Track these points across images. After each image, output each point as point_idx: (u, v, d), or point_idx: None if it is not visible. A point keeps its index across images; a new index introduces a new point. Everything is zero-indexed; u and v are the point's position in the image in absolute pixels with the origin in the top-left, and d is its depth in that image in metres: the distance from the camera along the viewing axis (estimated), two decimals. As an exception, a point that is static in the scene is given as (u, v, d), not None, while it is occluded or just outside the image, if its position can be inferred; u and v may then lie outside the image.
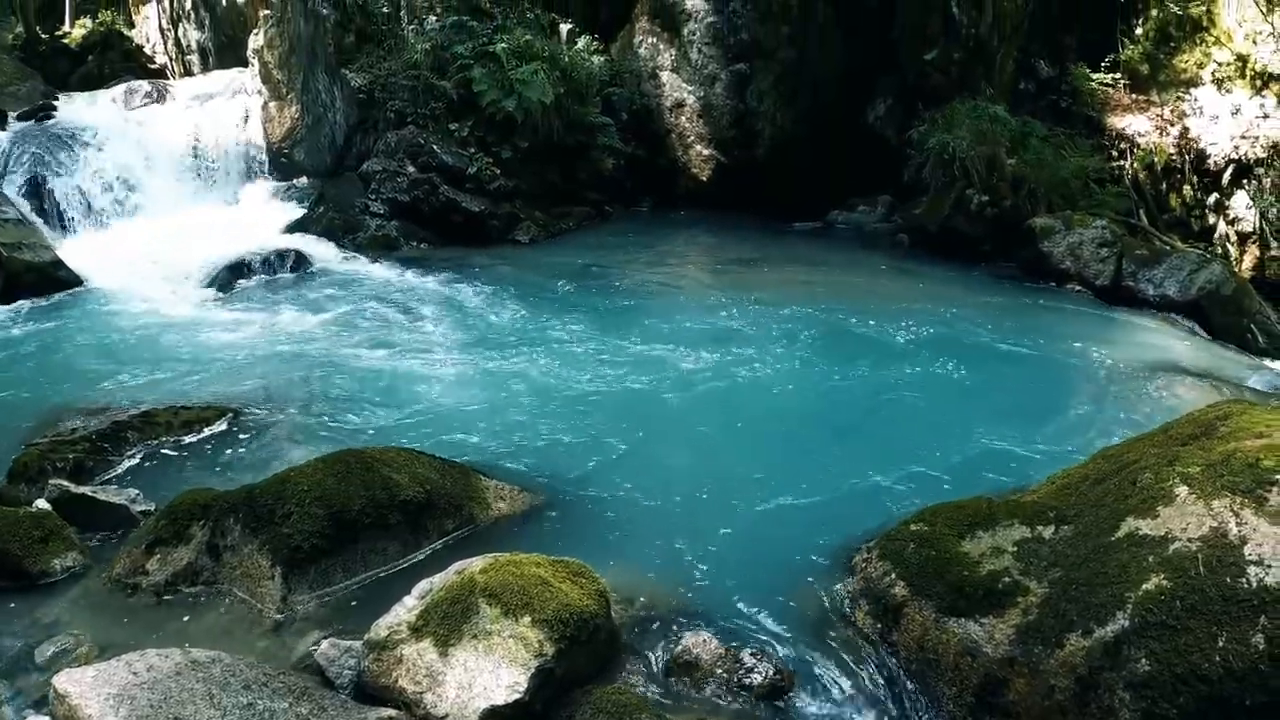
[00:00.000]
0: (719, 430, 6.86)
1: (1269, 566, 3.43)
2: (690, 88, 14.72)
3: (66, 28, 23.43)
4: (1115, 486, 4.19)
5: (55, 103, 14.56)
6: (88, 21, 23.56)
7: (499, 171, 13.09)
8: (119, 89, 15.69)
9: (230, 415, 6.72)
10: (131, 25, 24.11)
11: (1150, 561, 3.68)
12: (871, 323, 9.43)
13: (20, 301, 9.97)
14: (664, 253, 12.68)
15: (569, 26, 14.90)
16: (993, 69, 14.72)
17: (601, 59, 14.87)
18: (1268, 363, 10.23)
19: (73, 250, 11.37)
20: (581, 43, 14.79)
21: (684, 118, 14.84)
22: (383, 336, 8.83)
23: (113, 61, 21.54)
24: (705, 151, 14.81)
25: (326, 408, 7.04)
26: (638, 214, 14.89)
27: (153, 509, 5.21)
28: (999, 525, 4.35)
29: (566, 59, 14.11)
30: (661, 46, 14.94)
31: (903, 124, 14.53)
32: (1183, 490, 3.88)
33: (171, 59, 22.87)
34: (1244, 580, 3.43)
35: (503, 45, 13.57)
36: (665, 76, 14.91)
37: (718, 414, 7.13)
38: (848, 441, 6.79)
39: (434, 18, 14.42)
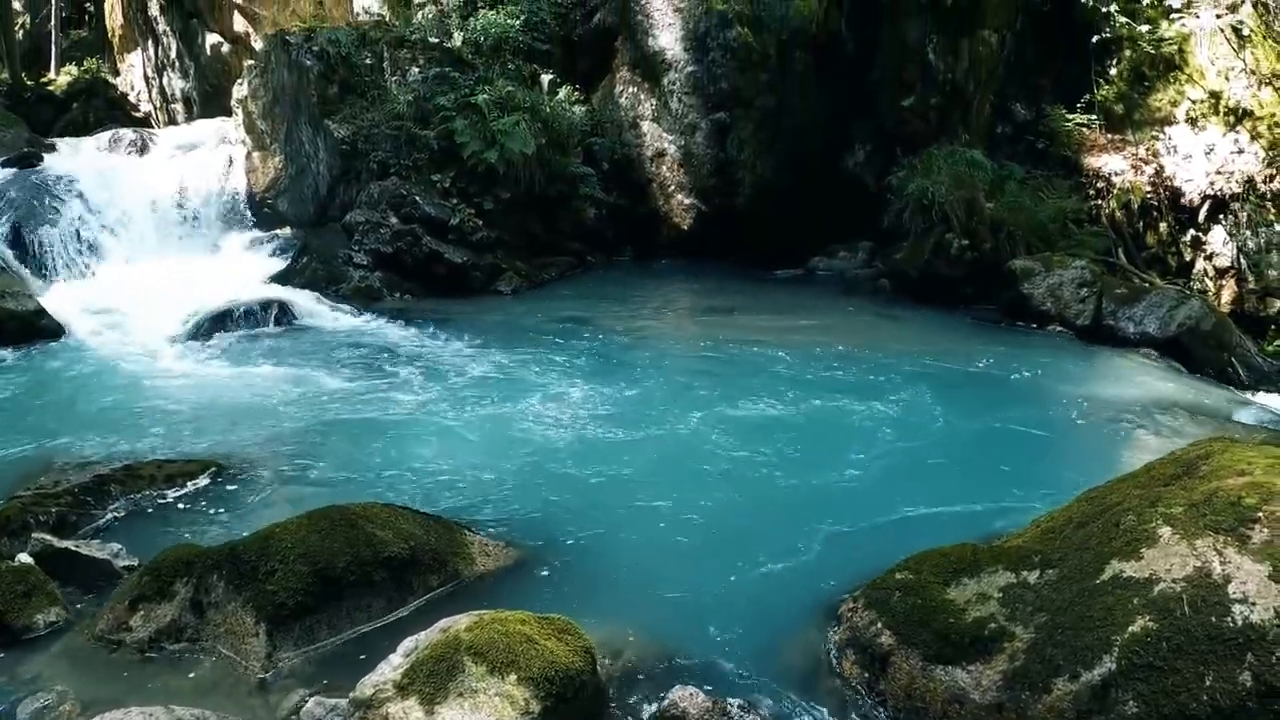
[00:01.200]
0: (702, 482, 6.83)
1: (1253, 604, 3.45)
2: (671, 137, 14.82)
3: (52, 74, 23.57)
4: (1099, 529, 4.21)
5: (40, 151, 14.58)
6: (73, 69, 23.71)
7: (481, 222, 13.15)
8: (103, 137, 15.80)
9: (214, 469, 6.69)
10: (116, 73, 24.27)
11: (1135, 604, 3.69)
12: (854, 370, 9.44)
13: (2, 351, 9.99)
14: (646, 303, 12.70)
15: (550, 77, 15.01)
16: (970, 113, 14.89)
17: (582, 109, 15.00)
18: (1249, 396, 10.33)
19: (55, 299, 11.40)
20: (562, 93, 14.92)
21: (665, 167, 14.93)
22: (366, 390, 8.80)
23: (97, 109, 21.71)
24: (686, 200, 14.88)
25: (310, 462, 7.01)
26: (619, 263, 14.92)
27: (136, 564, 5.17)
28: (984, 571, 4.36)
29: (548, 109, 14.23)
30: (642, 96, 15.05)
31: (882, 170, 14.65)
32: (1166, 531, 3.90)
33: (156, 107, 23.02)
34: (1229, 619, 3.45)
35: (484, 96, 13.68)
36: (646, 126, 15.02)
37: (701, 466, 7.11)
38: (831, 490, 6.76)
39: (416, 69, 14.51)
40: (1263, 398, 10.40)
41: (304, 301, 11.81)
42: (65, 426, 7.71)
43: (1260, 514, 3.74)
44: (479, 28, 14.93)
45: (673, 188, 14.91)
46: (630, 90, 15.13)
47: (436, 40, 15.05)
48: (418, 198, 13.16)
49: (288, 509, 5.87)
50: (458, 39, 14.98)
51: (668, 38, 14.61)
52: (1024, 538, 4.63)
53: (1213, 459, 4.32)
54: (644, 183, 15.09)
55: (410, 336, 10.73)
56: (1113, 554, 3.99)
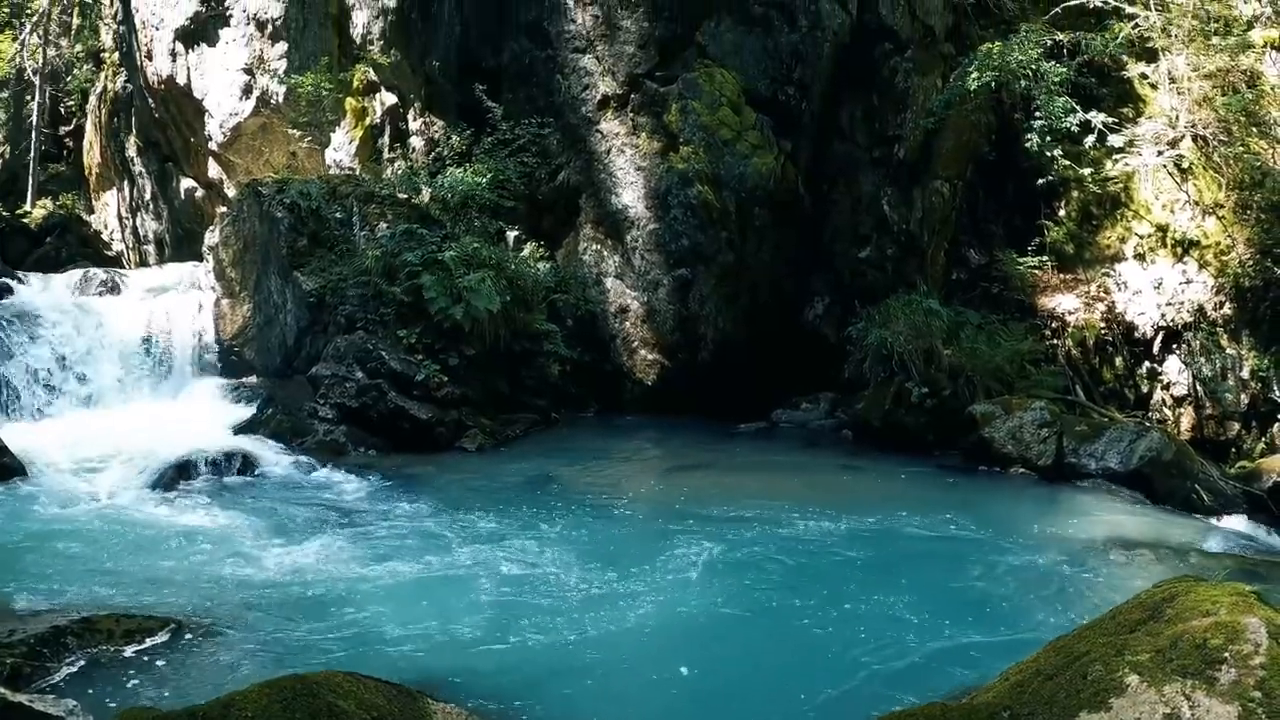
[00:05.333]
0: (665, 645, 6.77)
1: (1224, 750, 3.51)
2: (634, 293, 15.06)
3: (28, 207, 23.77)
4: (1067, 681, 4.22)
5: (11, 283, 14.59)
6: (49, 203, 23.97)
7: (446, 379, 13.16)
8: (74, 275, 15.91)
9: (173, 626, 6.56)
10: (91, 210, 24.62)
11: (1108, 753, 3.74)
12: (817, 525, 9.42)
13: (-42, 487, 9.78)
14: (611, 461, 12.66)
15: (515, 233, 15.24)
16: (925, 262, 15.35)
17: (547, 266, 15.21)
18: (1214, 521, 10.54)
19: (16, 436, 11.25)
20: (528, 250, 15.15)
21: (629, 323, 15.12)
22: (327, 548, 8.67)
23: (70, 245, 21.93)
24: (650, 356, 15.04)
25: (271, 622, 6.90)
26: (584, 419, 14.90)
27: (90, 723, 5.03)
28: (956, 728, 4.38)
29: (513, 266, 14.43)
30: (605, 253, 15.35)
31: (841, 321, 15.01)
32: (1133, 679, 3.95)
33: (128, 247, 23.29)
34: (1201, 766, 3.51)
35: (451, 253, 13.87)
36: (610, 282, 15.27)
37: (665, 630, 7.04)
38: (798, 649, 6.74)
39: (385, 224, 14.75)
40: (1229, 521, 10.61)
41: (268, 453, 11.74)
42: (22, 571, 7.58)
43: (1227, 654, 3.81)
44: (446, 185, 15.21)
45: (636, 343, 15.09)
46: (594, 247, 15.44)
47: (405, 196, 15.34)
48: (384, 353, 13.21)
49: (247, 671, 5.80)
50: (426, 195, 15.27)
51: (630, 195, 14.98)
52: (993, 693, 4.61)
53: (1178, 601, 4.38)
54: (608, 339, 15.24)
55: (374, 494, 10.62)
56: (1081, 706, 4.00)
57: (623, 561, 8.31)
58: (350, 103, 17.89)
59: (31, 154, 25.92)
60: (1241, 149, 13.76)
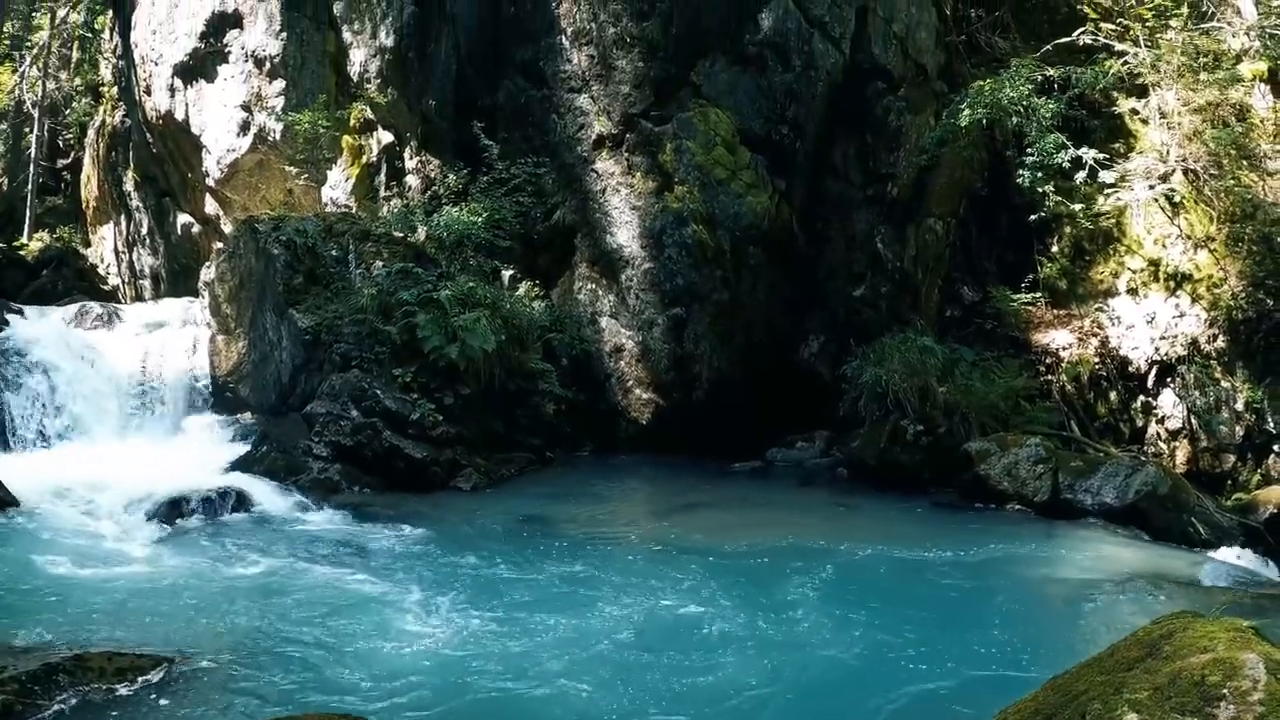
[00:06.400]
0: (663, 690, 6.70)
1: (1224, 787, 3.48)
2: (629, 332, 15.08)
3: (24, 239, 23.84)
4: None
5: (6, 315, 14.56)
6: (45, 235, 24.05)
7: (442, 417, 13.13)
8: (70, 309, 15.89)
9: (165, 665, 6.52)
10: (88, 244, 24.70)
11: (1107, 791, 3.71)
12: (814, 565, 9.36)
13: (-49, 519, 9.74)
14: (605, 501, 12.61)
15: (511, 273, 15.29)
16: (919, 300, 15.41)
17: (542, 305, 15.24)
18: (1211, 554, 10.56)
19: (9, 468, 11.22)
20: (523, 289, 15.20)
21: (623, 362, 15.13)
22: (321, 588, 8.62)
23: (67, 279, 21.98)
24: (645, 395, 15.04)
25: (263, 661, 6.85)
26: (579, 459, 14.84)
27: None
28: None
29: (508, 306, 14.48)
30: (600, 292, 15.39)
31: (836, 359, 15.06)
32: (1132, 718, 3.95)
33: (124, 281, 23.32)
34: (1201, 805, 3.48)
35: (447, 292, 13.90)
36: (605, 321, 15.30)
37: (664, 675, 6.95)
38: (791, 691, 6.70)
39: (380, 263, 14.77)
40: (1226, 554, 10.63)
41: (262, 491, 11.67)
42: (13, 606, 7.55)
43: (1225, 690, 3.79)
44: (442, 224, 15.28)
45: (631, 382, 15.09)
46: (589, 286, 15.49)
47: (401, 234, 15.39)
48: (379, 391, 13.20)
49: (239, 712, 5.78)
50: (422, 234, 15.31)
51: (625, 235, 15.06)
52: (992, 731, 4.64)
53: (1175, 637, 4.35)
54: (603, 378, 15.25)
55: (368, 533, 10.56)
56: (1081, 742, 4.02)
57: (618, 602, 8.27)
58: (347, 141, 17.98)
59: (29, 186, 26.11)
60: (1232, 182, 13.90)
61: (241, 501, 11.28)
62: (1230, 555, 10.63)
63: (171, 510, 10.76)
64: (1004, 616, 8.12)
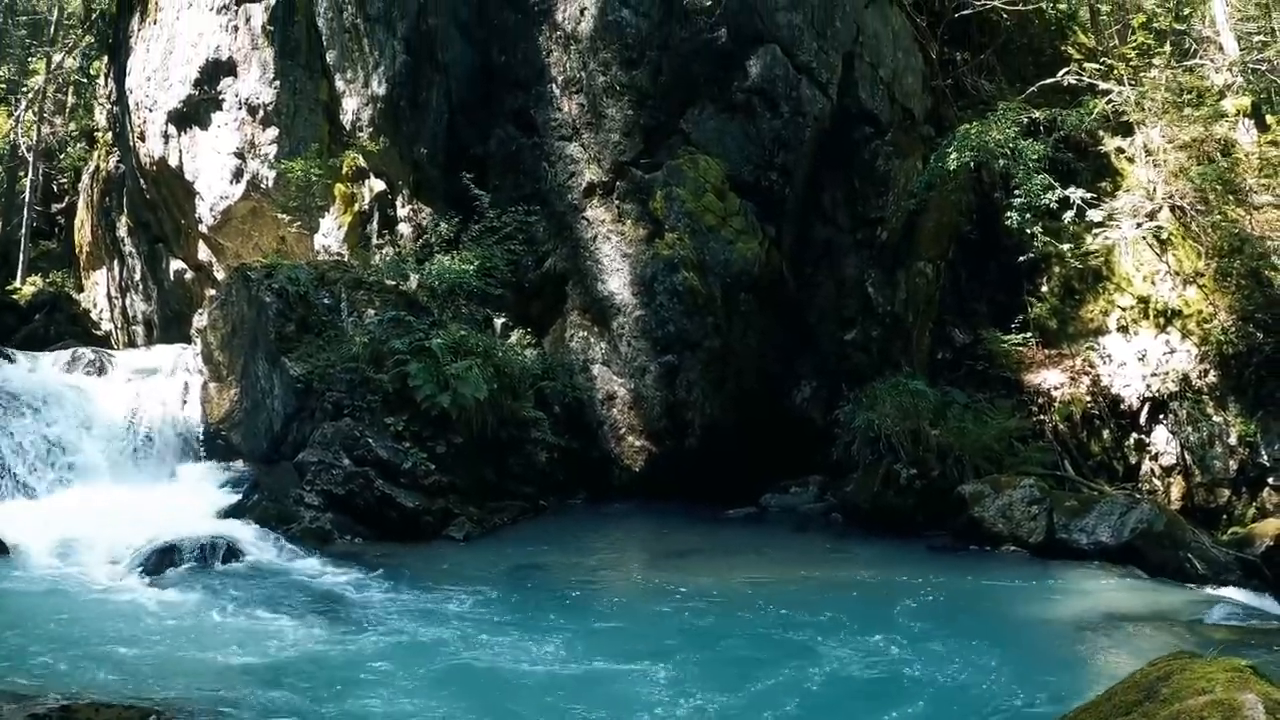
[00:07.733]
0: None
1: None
2: (621, 379, 15.04)
3: (18, 283, 23.87)
4: (1065, 761, 4.22)
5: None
6: (39, 280, 24.07)
7: (434, 466, 13.07)
8: (63, 354, 15.88)
9: (154, 717, 6.39)
10: (81, 289, 24.73)
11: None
12: (809, 612, 9.32)
13: (-58, 565, 9.66)
14: (599, 549, 12.53)
15: (503, 321, 15.28)
16: (910, 343, 15.46)
17: (534, 353, 15.23)
18: (1209, 590, 10.53)
19: (0, 515, 11.18)
20: (515, 337, 15.19)
21: (616, 409, 15.08)
22: (312, 639, 8.56)
23: (59, 323, 22.00)
24: (638, 442, 14.98)
25: (251, 714, 6.76)
26: (573, 507, 14.71)
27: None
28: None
29: (500, 354, 14.45)
30: (592, 339, 15.37)
31: (828, 404, 15.04)
32: (1132, 760, 3.93)
33: (117, 327, 23.31)
34: None
35: (439, 341, 13.89)
36: (597, 369, 15.27)
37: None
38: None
39: (373, 311, 14.79)
40: (1224, 589, 10.59)
41: (254, 540, 11.58)
42: (2, 655, 7.50)
43: (1224, 734, 3.79)
44: (434, 272, 15.30)
45: (624, 430, 15.03)
46: (581, 334, 15.48)
47: (393, 283, 15.41)
48: (371, 440, 13.14)
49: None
50: (414, 282, 15.33)
51: (616, 282, 15.08)
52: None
53: (1173, 679, 4.33)
54: (595, 425, 15.18)
55: (359, 583, 10.47)
56: (1081, 785, 3.99)
57: (605, 659, 8.19)
58: (339, 188, 18.05)
59: (23, 230, 26.21)
60: (1219, 217, 14.00)
61: (232, 551, 11.19)
62: (1228, 590, 10.60)
63: (162, 559, 10.68)
64: (1001, 660, 8.06)
